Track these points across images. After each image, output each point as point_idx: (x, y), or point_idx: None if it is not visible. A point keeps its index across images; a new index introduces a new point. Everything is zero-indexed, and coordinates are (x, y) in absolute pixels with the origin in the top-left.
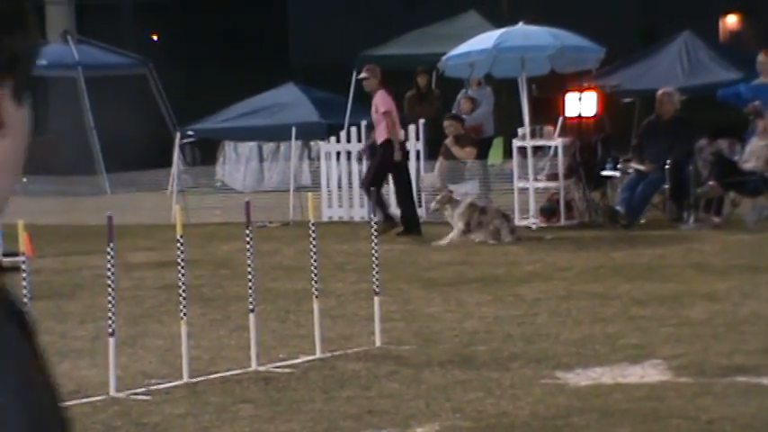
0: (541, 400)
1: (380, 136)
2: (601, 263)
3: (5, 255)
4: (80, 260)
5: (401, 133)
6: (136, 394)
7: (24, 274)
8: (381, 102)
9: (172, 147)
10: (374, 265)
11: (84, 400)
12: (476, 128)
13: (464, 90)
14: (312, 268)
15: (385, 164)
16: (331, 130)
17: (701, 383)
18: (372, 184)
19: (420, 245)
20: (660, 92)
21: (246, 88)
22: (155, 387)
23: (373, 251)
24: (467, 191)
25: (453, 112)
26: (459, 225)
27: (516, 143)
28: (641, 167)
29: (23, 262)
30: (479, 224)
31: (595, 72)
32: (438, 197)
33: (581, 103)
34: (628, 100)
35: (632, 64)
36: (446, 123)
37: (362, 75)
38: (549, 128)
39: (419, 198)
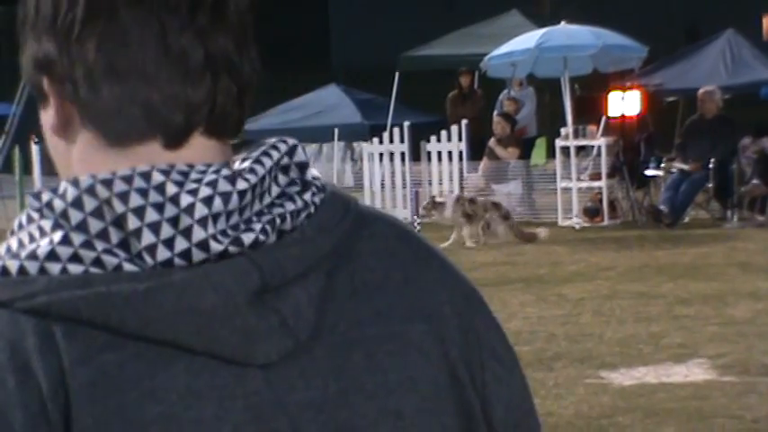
0: (585, 400)
1: None
2: (644, 262)
3: None
4: None
5: None
6: None
7: None
8: None
9: None
10: None
11: None
12: (521, 131)
13: (506, 90)
14: None
15: None
16: (373, 132)
17: (746, 382)
18: None
19: (461, 246)
20: (702, 91)
21: (289, 89)
22: None
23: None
24: (510, 191)
25: (498, 112)
26: (460, 221)
27: (559, 143)
28: (685, 166)
29: None
30: (475, 214)
31: (638, 71)
32: (423, 204)
33: (624, 103)
34: (671, 99)
35: (675, 63)
36: (496, 121)
37: None
38: (591, 127)
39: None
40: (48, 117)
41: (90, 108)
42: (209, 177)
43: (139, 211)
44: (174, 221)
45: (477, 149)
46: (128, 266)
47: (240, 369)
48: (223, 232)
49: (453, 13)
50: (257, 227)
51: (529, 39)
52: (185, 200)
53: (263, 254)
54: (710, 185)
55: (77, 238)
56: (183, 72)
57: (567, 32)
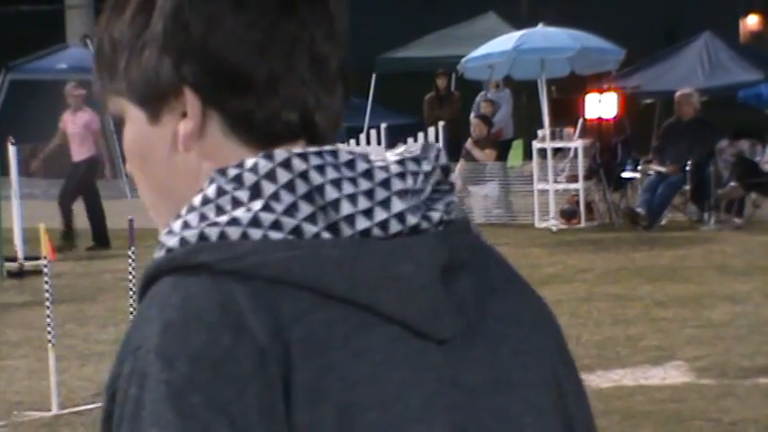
0: None
1: (87, 152)
2: (621, 264)
3: (27, 258)
4: (102, 264)
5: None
6: None
7: (46, 278)
8: (92, 118)
9: None
10: None
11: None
12: (497, 132)
13: (483, 92)
14: None
15: (87, 180)
16: (350, 133)
17: (724, 385)
18: (72, 200)
19: None
20: (679, 93)
21: None
22: None
23: None
24: (486, 193)
25: (475, 114)
26: None
27: (536, 145)
28: (662, 169)
29: (45, 265)
30: None
31: (615, 73)
32: None
33: (601, 105)
34: (648, 101)
35: (652, 65)
36: (474, 122)
37: (77, 92)
38: (569, 129)
39: None
40: (177, 130)
41: (243, 113)
42: (395, 158)
43: (336, 183)
44: (370, 194)
45: (453, 151)
46: (325, 235)
47: (423, 343)
48: (414, 207)
49: (431, 15)
50: (440, 207)
51: (506, 41)
52: (379, 174)
53: (447, 233)
54: (688, 188)
55: (278, 207)
56: (324, 80)
57: (545, 35)
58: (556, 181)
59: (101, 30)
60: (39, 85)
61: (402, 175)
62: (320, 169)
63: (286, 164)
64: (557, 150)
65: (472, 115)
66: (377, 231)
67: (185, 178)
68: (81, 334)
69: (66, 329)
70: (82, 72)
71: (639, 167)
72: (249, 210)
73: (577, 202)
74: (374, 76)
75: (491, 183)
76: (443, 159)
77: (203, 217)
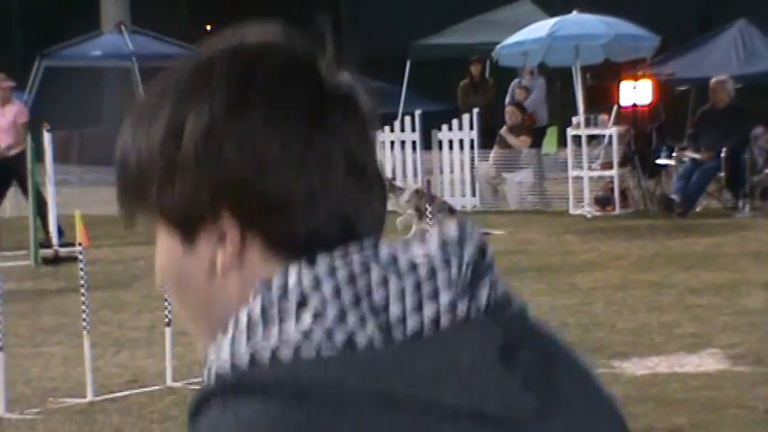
0: None
1: (19, 144)
2: (656, 251)
3: (62, 245)
4: (136, 250)
5: None
6: (193, 384)
7: (81, 265)
8: (21, 110)
9: None
10: None
11: (142, 390)
12: (530, 116)
13: (517, 79)
14: None
15: (24, 174)
16: (385, 120)
17: (759, 372)
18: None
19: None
20: (714, 80)
21: None
22: None
23: None
24: (521, 179)
25: (509, 101)
26: (408, 211)
27: (570, 132)
28: (696, 156)
29: (80, 252)
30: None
31: (650, 60)
32: None
33: (635, 92)
34: (683, 88)
35: (687, 52)
36: (508, 110)
37: (5, 84)
38: (603, 116)
39: (473, 187)
40: (215, 256)
41: (284, 234)
42: (436, 242)
43: (383, 283)
44: (417, 288)
45: (488, 138)
46: (377, 338)
47: (499, 429)
48: (461, 294)
49: (466, 2)
50: (485, 288)
51: (540, 28)
52: (423, 267)
53: (496, 315)
54: (722, 175)
55: (327, 317)
56: (363, 186)
57: (579, 21)
58: (590, 168)
59: (125, 143)
60: (73, 72)
61: (447, 262)
62: (364, 270)
63: (330, 270)
64: (591, 137)
65: (507, 102)
66: (428, 326)
67: (224, 299)
68: (116, 320)
69: (101, 316)
70: (116, 59)
71: (674, 154)
72: (298, 323)
73: (612, 189)
74: (409, 62)
75: (525, 169)
76: (480, 238)
77: (251, 335)
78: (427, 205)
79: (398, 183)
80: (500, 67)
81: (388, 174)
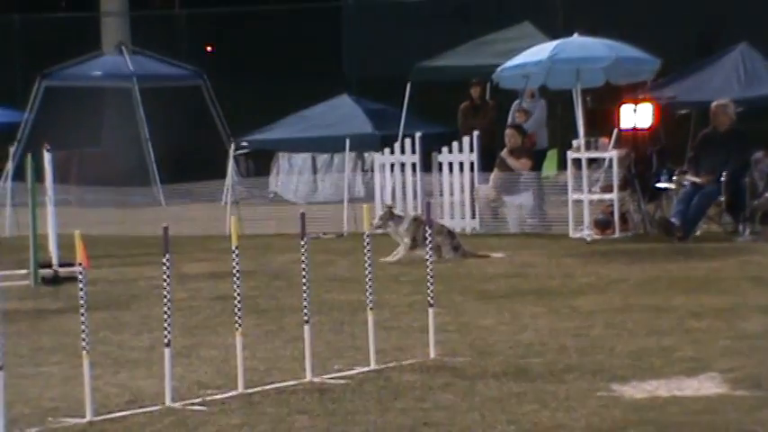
0: (597, 413)
1: None
2: (656, 275)
3: (62, 265)
4: (136, 271)
5: None
6: (192, 404)
7: (81, 285)
8: None
9: (226, 158)
10: (428, 277)
11: (141, 410)
12: (530, 138)
13: (518, 101)
14: (366, 280)
15: None
16: (385, 142)
17: (758, 397)
18: None
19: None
20: (715, 104)
21: (300, 100)
22: (210, 397)
23: (428, 263)
24: (521, 202)
25: (509, 123)
26: (405, 240)
27: (571, 155)
28: (697, 179)
29: (80, 272)
30: (425, 239)
31: (651, 84)
32: (380, 214)
33: (636, 115)
34: (683, 111)
35: (688, 75)
36: (508, 133)
37: None
38: (603, 140)
39: (473, 210)
40: None
41: None
42: None
43: None
44: None
45: (488, 161)
46: None
47: None
48: None
49: (466, 25)
50: None
51: (542, 50)
52: None
53: None
54: (723, 199)
55: None
56: None
57: (580, 44)
58: (590, 191)
59: None
60: (74, 92)
61: None
62: None
63: None
64: (591, 160)
65: (507, 125)
66: None
67: None
68: (115, 341)
69: (101, 336)
70: (117, 79)
71: (674, 178)
72: None
73: (612, 213)
74: (409, 84)
75: (525, 192)
76: None
77: None
78: (426, 228)
79: (397, 211)
80: (501, 89)
81: (387, 199)
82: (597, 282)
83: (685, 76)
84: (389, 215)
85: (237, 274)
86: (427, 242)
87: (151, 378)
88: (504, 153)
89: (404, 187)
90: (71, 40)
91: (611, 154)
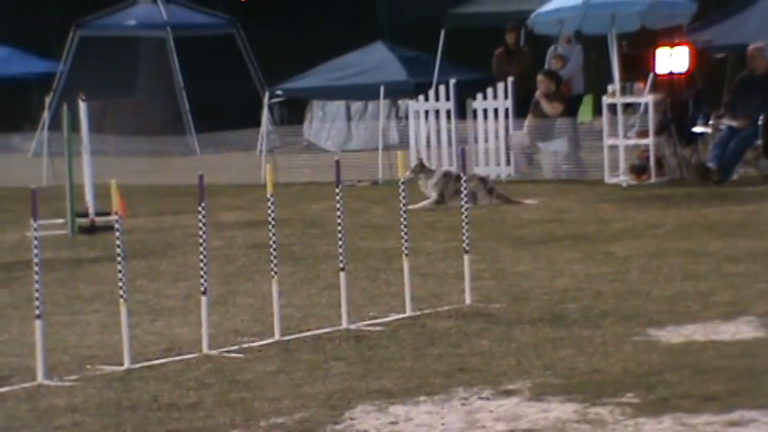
0: (633, 358)
1: None
2: (692, 220)
3: (98, 214)
4: (172, 220)
5: None
6: (228, 352)
7: (118, 234)
8: None
9: (260, 106)
10: (464, 224)
11: (178, 358)
12: (566, 84)
13: (553, 47)
14: (402, 227)
15: None
16: (419, 89)
17: None
18: None
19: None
20: (751, 47)
21: (334, 47)
22: (247, 345)
23: (463, 209)
24: (556, 149)
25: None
26: (432, 195)
27: (606, 100)
28: (733, 123)
29: (116, 221)
30: (456, 192)
31: (687, 27)
32: (411, 167)
33: (672, 59)
34: (720, 55)
35: (724, 19)
36: (539, 79)
37: None
38: (639, 84)
39: (507, 156)
40: None
41: None
42: None
43: None
44: None
45: (523, 107)
46: None
47: None
48: None
49: None
50: None
51: None
52: None
53: None
54: (759, 142)
55: None
56: None
57: None
58: (626, 136)
59: None
60: (108, 42)
61: None
62: None
63: None
64: (627, 105)
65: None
66: None
67: None
68: (152, 289)
69: (138, 285)
70: (151, 28)
71: (711, 122)
72: None
73: (648, 158)
74: (443, 31)
75: (560, 139)
76: None
77: None
78: (456, 182)
79: (428, 164)
80: (535, 35)
81: (422, 146)
82: (633, 227)
83: (722, 19)
84: (420, 168)
85: (273, 223)
86: (462, 189)
87: (188, 326)
88: (538, 95)
89: (438, 134)
90: None
91: (647, 99)
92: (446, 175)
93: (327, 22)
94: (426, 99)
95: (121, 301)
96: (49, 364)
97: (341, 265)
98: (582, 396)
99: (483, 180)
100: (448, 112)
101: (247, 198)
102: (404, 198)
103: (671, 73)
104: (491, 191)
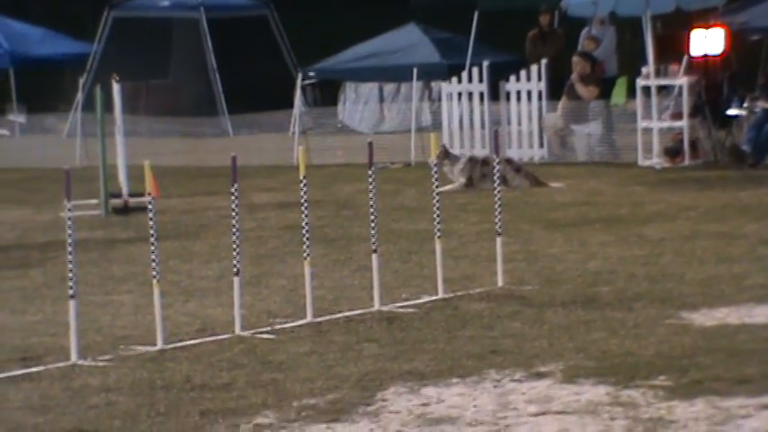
0: (666, 340)
1: None
2: (726, 202)
3: (132, 195)
4: (205, 200)
5: None
6: (261, 333)
7: (151, 214)
8: None
9: (293, 88)
10: (496, 206)
11: (211, 339)
12: (599, 66)
13: (587, 29)
14: (434, 209)
15: None
16: (452, 71)
17: None
18: None
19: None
20: None
21: (367, 29)
22: (279, 326)
23: (495, 191)
24: (590, 131)
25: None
26: (460, 180)
27: (640, 82)
28: None
29: (150, 202)
30: (483, 176)
31: (722, 9)
32: (437, 152)
33: (707, 41)
34: (755, 37)
35: (760, 0)
36: (574, 60)
37: None
38: (673, 66)
39: (540, 139)
40: None
41: None
42: None
43: None
44: None
45: (556, 89)
46: None
47: None
48: None
49: None
50: None
51: None
52: None
53: None
54: None
55: None
56: None
57: None
58: (660, 119)
59: None
60: (142, 23)
61: None
62: None
63: None
64: (661, 88)
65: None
66: None
67: None
68: (185, 270)
69: (170, 265)
70: (184, 9)
71: (745, 104)
72: None
73: (681, 140)
74: (477, 12)
75: (594, 121)
76: None
77: None
78: (491, 157)
79: (452, 150)
80: (569, 17)
81: (455, 128)
82: (666, 210)
83: (757, 1)
84: (445, 154)
85: (305, 204)
86: (495, 171)
87: (221, 307)
88: (573, 77)
89: (471, 116)
90: None
91: (681, 81)
92: (471, 159)
93: (360, 3)
94: (459, 81)
95: (154, 281)
96: (83, 343)
97: (373, 247)
98: (614, 378)
99: (509, 161)
100: (481, 94)
101: (280, 179)
102: (436, 180)
103: (706, 55)
104: (518, 169)
